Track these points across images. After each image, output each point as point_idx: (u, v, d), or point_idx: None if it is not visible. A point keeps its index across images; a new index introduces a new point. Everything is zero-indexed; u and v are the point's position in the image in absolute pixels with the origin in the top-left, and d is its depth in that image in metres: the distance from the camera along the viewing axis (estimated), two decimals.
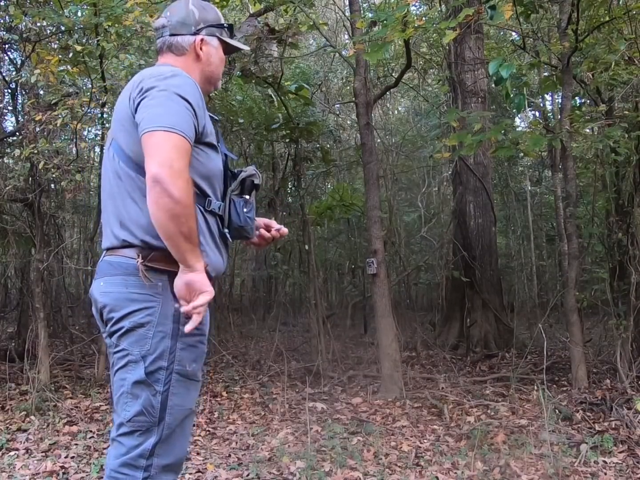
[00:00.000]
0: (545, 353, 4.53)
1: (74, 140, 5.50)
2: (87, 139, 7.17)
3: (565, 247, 5.25)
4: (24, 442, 3.76)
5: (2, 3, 5.26)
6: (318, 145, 8.04)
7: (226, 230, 1.80)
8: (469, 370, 6.26)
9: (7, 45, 6.04)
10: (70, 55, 4.71)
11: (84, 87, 5.56)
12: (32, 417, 4.22)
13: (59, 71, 4.80)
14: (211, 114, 1.85)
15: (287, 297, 10.13)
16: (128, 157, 1.67)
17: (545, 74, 7.52)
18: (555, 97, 9.66)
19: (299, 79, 7.65)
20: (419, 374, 5.87)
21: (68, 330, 7.15)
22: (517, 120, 11.37)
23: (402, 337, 6.28)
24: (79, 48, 4.45)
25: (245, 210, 1.81)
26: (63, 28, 5.06)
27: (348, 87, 10.34)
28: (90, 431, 3.97)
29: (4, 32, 5.61)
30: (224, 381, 5.70)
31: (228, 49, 1.94)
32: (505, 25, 6.99)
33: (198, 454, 3.64)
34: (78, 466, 3.38)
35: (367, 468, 3.34)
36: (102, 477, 3.15)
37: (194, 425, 3.99)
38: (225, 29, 1.90)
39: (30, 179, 5.32)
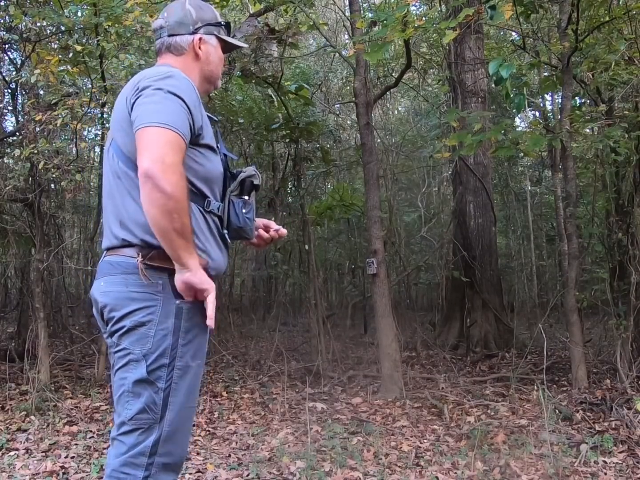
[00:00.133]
0: (545, 353, 4.53)
1: (74, 140, 5.51)
2: (87, 139, 7.17)
3: (565, 247, 5.25)
4: (24, 442, 3.76)
5: (2, 3, 5.26)
6: (318, 145, 8.04)
7: (225, 231, 1.80)
8: (469, 370, 6.26)
9: (7, 45, 6.04)
10: (70, 55, 4.71)
11: (84, 87, 5.56)
12: (32, 417, 4.22)
13: (59, 71, 4.80)
14: (210, 115, 1.85)
15: (287, 297, 10.13)
16: (126, 157, 1.68)
17: (545, 74, 7.52)
18: (555, 97, 9.66)
19: (299, 79, 7.65)
20: (419, 374, 5.87)
21: (68, 330, 7.15)
22: (517, 120, 11.39)
23: (402, 337, 6.28)
24: (79, 48, 4.45)
25: (244, 211, 1.81)
26: (63, 28, 5.06)
27: (348, 87, 10.34)
28: (90, 431, 3.97)
29: (4, 32, 5.61)
30: (224, 381, 5.70)
31: (227, 47, 1.95)
32: (505, 25, 6.99)
33: (198, 454, 3.64)
34: (78, 466, 3.38)
35: (367, 468, 3.34)
36: (102, 477, 3.15)
37: (193, 425, 3.99)
38: (223, 27, 1.91)
39: (30, 179, 5.32)
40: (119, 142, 1.70)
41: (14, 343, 6.47)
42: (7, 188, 4.92)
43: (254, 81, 6.40)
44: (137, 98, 1.63)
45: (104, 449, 3.60)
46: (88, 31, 5.02)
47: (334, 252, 11.82)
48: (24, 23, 4.85)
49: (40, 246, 5.37)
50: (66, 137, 6.82)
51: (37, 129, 4.92)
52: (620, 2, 5.45)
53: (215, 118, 1.91)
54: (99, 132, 6.26)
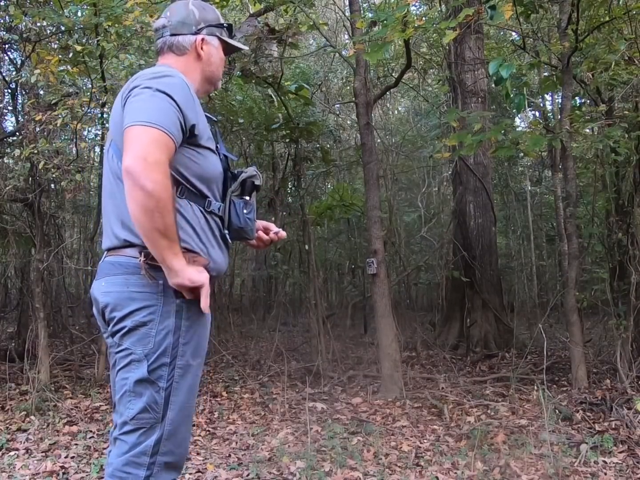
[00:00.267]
0: (545, 353, 4.53)
1: (74, 140, 5.51)
2: (87, 139, 7.18)
3: (565, 247, 5.25)
4: (24, 442, 3.76)
5: (2, 3, 5.26)
6: (318, 145, 8.04)
7: (226, 232, 1.80)
8: (469, 370, 6.26)
9: (7, 45, 6.04)
10: (70, 55, 4.71)
11: (84, 87, 5.56)
12: (32, 417, 4.22)
13: (59, 71, 4.80)
14: (210, 115, 1.84)
15: (287, 297, 10.13)
16: None
17: (545, 74, 7.52)
18: (555, 97, 9.66)
19: (299, 79, 7.65)
20: (419, 374, 5.87)
21: (68, 330, 7.15)
22: (517, 120, 11.39)
23: (402, 337, 6.28)
24: (79, 48, 4.45)
25: (245, 211, 1.81)
26: (63, 28, 5.06)
27: (348, 87, 10.34)
28: (90, 431, 3.97)
29: (4, 32, 5.61)
30: (224, 381, 5.70)
31: (227, 49, 1.94)
32: (505, 25, 6.99)
33: (198, 454, 3.64)
34: (78, 466, 3.38)
35: (367, 468, 3.34)
36: (102, 477, 3.15)
37: (193, 425, 3.99)
38: (225, 28, 1.91)
39: (30, 179, 5.32)
40: (118, 142, 1.70)
41: (14, 343, 6.47)
42: (7, 188, 4.92)
43: (254, 81, 6.40)
44: (128, 98, 1.63)
45: (104, 449, 3.60)
46: (88, 31, 5.02)
47: (334, 252, 11.82)
48: (24, 23, 4.85)
49: (40, 246, 5.37)
50: (66, 137, 6.82)
51: (37, 129, 4.92)
52: (620, 2, 5.45)
53: (215, 118, 1.90)
54: (99, 132, 6.26)
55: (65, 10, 4.98)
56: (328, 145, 9.09)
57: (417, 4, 9.29)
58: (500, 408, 4.46)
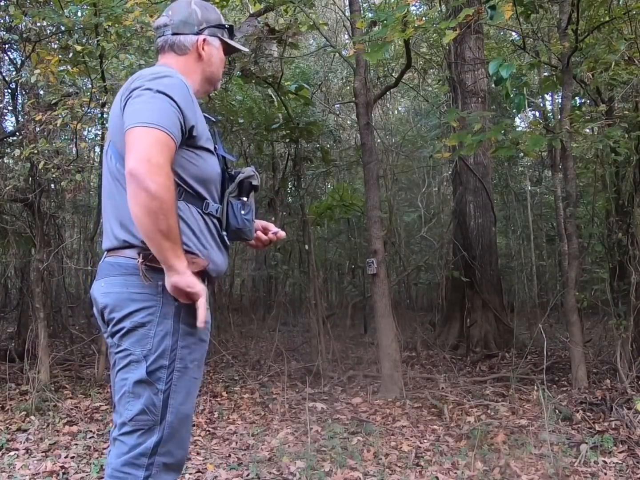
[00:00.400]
0: (545, 353, 4.53)
1: (74, 140, 5.51)
2: (87, 139, 7.17)
3: (565, 247, 5.25)
4: (24, 442, 3.76)
5: (2, 3, 5.26)
6: (318, 145, 8.04)
7: (224, 233, 1.79)
8: (469, 370, 6.26)
9: (7, 45, 6.04)
10: (70, 55, 4.71)
11: (84, 87, 5.56)
12: (32, 417, 4.22)
13: (59, 71, 4.80)
14: (208, 115, 1.84)
15: (287, 297, 10.13)
16: (123, 158, 1.67)
17: (545, 74, 7.52)
18: (555, 97, 9.66)
19: (299, 79, 7.65)
20: (419, 374, 5.87)
21: (68, 330, 7.15)
22: (517, 120, 11.38)
23: (402, 337, 6.28)
24: (79, 48, 4.45)
25: (243, 212, 1.80)
26: (63, 28, 5.06)
27: (348, 87, 10.34)
28: (90, 431, 3.97)
29: (4, 32, 5.61)
30: (224, 381, 5.70)
31: (227, 49, 1.94)
32: (505, 25, 6.99)
33: (198, 454, 3.64)
34: (78, 466, 3.38)
35: (367, 468, 3.34)
36: (102, 477, 3.15)
37: (193, 425, 3.99)
38: (226, 29, 1.90)
39: (30, 179, 5.32)
40: (117, 143, 1.70)
41: (14, 343, 6.47)
42: (7, 188, 4.92)
43: (254, 81, 6.40)
44: (128, 99, 1.62)
45: (104, 449, 3.60)
46: (88, 31, 5.02)
47: (334, 252, 11.82)
48: (24, 23, 4.85)
49: (40, 246, 5.37)
50: (66, 137, 6.82)
51: (37, 129, 4.92)
52: (620, 2, 5.45)
53: (214, 119, 1.90)
54: (99, 132, 6.25)
55: (65, 10, 4.98)
56: (328, 145, 9.09)
57: (417, 4, 9.29)
58: (500, 408, 4.46)
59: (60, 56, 4.72)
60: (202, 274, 1.72)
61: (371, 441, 3.77)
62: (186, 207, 1.68)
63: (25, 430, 3.99)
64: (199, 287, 1.61)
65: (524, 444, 3.55)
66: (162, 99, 1.59)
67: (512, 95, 5.13)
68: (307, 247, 6.70)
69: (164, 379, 1.62)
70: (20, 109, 5.98)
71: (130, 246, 1.66)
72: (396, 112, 14.06)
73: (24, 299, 6.73)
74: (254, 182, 1.83)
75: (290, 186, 9.37)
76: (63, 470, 3.32)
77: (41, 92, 5.92)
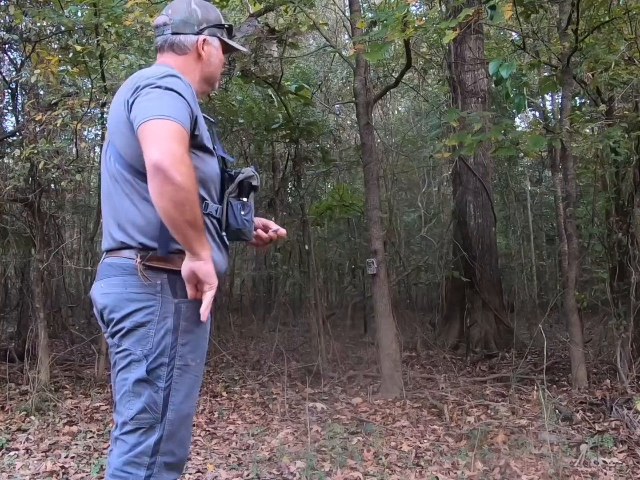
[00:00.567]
0: (545, 353, 4.53)
1: (74, 140, 5.51)
2: (87, 139, 7.19)
3: (565, 247, 5.25)
4: (24, 442, 3.76)
5: (2, 3, 5.26)
6: (318, 145, 8.04)
7: (224, 234, 1.79)
8: (469, 370, 6.26)
9: (7, 45, 6.04)
10: (70, 55, 4.71)
11: (84, 87, 5.55)
12: (32, 417, 4.22)
13: (59, 71, 4.80)
14: (207, 116, 1.83)
15: (287, 297, 10.13)
16: (124, 159, 1.67)
17: (545, 74, 7.52)
18: (555, 97, 9.66)
19: (299, 79, 7.64)
20: (419, 374, 5.87)
21: (68, 330, 7.14)
22: (517, 120, 11.38)
23: (402, 337, 6.28)
24: (79, 48, 4.45)
25: (242, 213, 1.80)
26: (63, 28, 5.06)
27: (348, 87, 10.34)
28: (90, 431, 3.96)
29: (4, 32, 5.60)
30: (224, 381, 5.70)
31: (226, 48, 1.93)
32: (505, 25, 6.99)
33: (198, 454, 3.64)
34: (78, 466, 3.38)
35: (367, 468, 3.34)
36: (102, 477, 3.15)
37: (193, 425, 3.99)
38: (225, 29, 1.90)
39: (30, 179, 5.32)
40: (117, 145, 1.69)
41: (14, 343, 6.47)
42: (7, 188, 4.92)
43: (254, 81, 6.40)
44: (136, 98, 1.61)
45: (104, 449, 3.60)
46: (88, 31, 5.02)
47: (334, 252, 11.82)
48: (24, 23, 4.85)
49: (40, 246, 5.36)
50: (66, 137, 6.82)
51: (37, 129, 4.92)
52: (620, 2, 5.45)
53: (212, 120, 1.90)
54: (99, 132, 6.26)
55: (65, 10, 4.97)
56: (328, 145, 9.09)
57: (417, 4, 9.29)
58: (500, 408, 4.46)
59: (60, 56, 4.72)
60: None
61: (371, 441, 3.77)
62: None
63: (25, 430, 3.99)
64: (214, 280, 1.62)
65: (524, 444, 3.55)
66: (172, 95, 1.59)
67: (512, 95, 5.13)
68: (307, 247, 6.70)
69: (164, 376, 1.63)
70: (20, 109, 5.98)
71: (128, 247, 1.66)
72: (396, 112, 14.05)
73: (24, 299, 6.73)
74: (254, 183, 1.83)
75: (290, 186, 9.37)
76: (63, 470, 3.32)
77: (41, 92, 5.92)
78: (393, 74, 8.80)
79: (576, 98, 6.28)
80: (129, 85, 1.67)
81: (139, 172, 1.64)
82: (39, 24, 4.79)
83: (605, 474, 3.19)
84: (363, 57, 5.06)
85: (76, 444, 3.73)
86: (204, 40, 1.82)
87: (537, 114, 11.23)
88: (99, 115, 5.29)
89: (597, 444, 3.56)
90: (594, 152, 5.77)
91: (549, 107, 10.96)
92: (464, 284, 7.28)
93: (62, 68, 4.84)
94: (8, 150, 5.93)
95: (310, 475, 3.22)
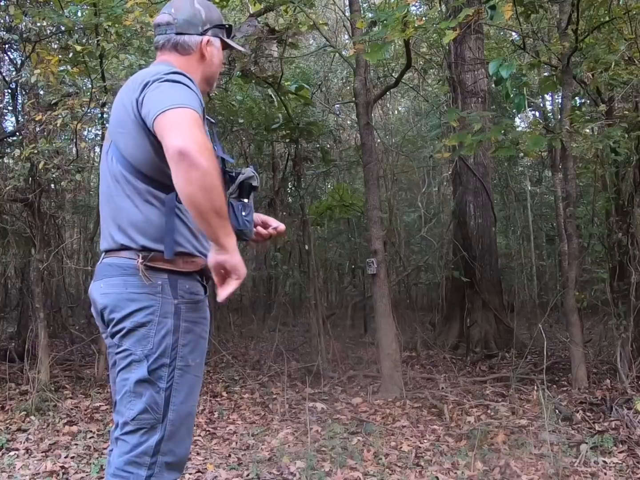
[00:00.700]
0: (545, 353, 4.53)
1: (74, 140, 5.51)
2: (87, 139, 7.18)
3: (565, 247, 5.25)
4: (24, 442, 3.76)
5: (2, 3, 5.25)
6: (318, 145, 8.04)
7: None
8: (469, 370, 6.26)
9: (7, 45, 6.04)
10: (70, 55, 4.71)
11: (84, 87, 5.56)
12: (32, 417, 4.22)
13: (59, 71, 4.80)
14: (207, 117, 1.83)
15: (287, 297, 10.13)
16: (127, 160, 1.66)
17: (545, 74, 7.52)
18: (555, 97, 9.66)
19: (299, 79, 7.64)
20: (419, 374, 5.87)
21: (68, 330, 7.15)
22: (517, 120, 11.37)
23: (402, 337, 6.28)
24: (79, 48, 4.44)
25: (243, 214, 1.79)
26: (63, 28, 5.06)
27: (348, 87, 10.34)
28: (90, 431, 3.97)
29: (4, 32, 5.60)
30: (224, 381, 5.70)
31: (223, 46, 1.91)
32: (505, 25, 6.99)
33: (198, 454, 3.64)
34: (78, 466, 3.38)
35: (367, 468, 3.34)
36: (102, 477, 3.15)
37: (194, 425, 3.98)
38: (225, 29, 1.89)
39: (30, 179, 5.32)
40: (119, 145, 1.68)
41: (14, 343, 6.47)
42: (7, 188, 4.92)
43: (254, 81, 6.40)
44: (145, 94, 1.60)
45: (104, 449, 3.60)
46: (88, 31, 5.02)
47: (334, 252, 11.82)
48: (24, 23, 4.85)
49: (40, 246, 5.36)
50: (66, 137, 6.82)
51: (37, 129, 4.92)
52: (620, 2, 5.45)
53: (213, 120, 1.89)
54: (99, 132, 6.26)
55: (65, 10, 4.97)
56: (328, 145, 9.09)
57: (417, 4, 9.29)
58: (500, 408, 4.46)
59: (60, 56, 4.72)
60: (201, 274, 1.73)
61: (371, 441, 3.77)
62: (187, 209, 1.67)
63: (25, 430, 3.99)
64: (243, 271, 1.58)
65: (524, 444, 3.55)
66: (182, 86, 1.60)
67: (512, 95, 5.13)
68: (307, 247, 6.70)
69: (165, 377, 1.63)
70: (20, 109, 5.98)
71: (128, 248, 1.66)
72: (396, 112, 14.05)
73: (24, 299, 6.73)
74: (254, 183, 1.82)
75: (290, 186, 9.37)
76: (63, 470, 3.32)
77: (41, 92, 5.92)
78: (393, 74, 8.80)
79: (576, 98, 6.28)
80: (133, 86, 1.66)
81: (142, 174, 1.64)
82: (39, 24, 4.79)
83: (605, 474, 3.19)
84: (363, 57, 5.06)
85: (76, 444, 3.73)
86: (208, 40, 1.81)
87: (537, 114, 11.23)
88: (99, 115, 5.29)
89: (597, 444, 3.56)
90: (594, 152, 5.77)
91: (549, 107, 10.96)
92: (464, 284, 7.27)
93: (62, 68, 4.84)
94: (8, 150, 5.93)
95: (310, 475, 3.22)
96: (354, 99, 5.81)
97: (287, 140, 7.64)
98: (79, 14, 5.15)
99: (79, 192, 6.05)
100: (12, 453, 3.57)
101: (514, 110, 8.14)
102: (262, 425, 4.29)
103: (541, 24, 6.57)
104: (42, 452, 3.59)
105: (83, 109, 4.86)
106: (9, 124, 7.24)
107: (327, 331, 6.55)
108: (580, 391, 4.75)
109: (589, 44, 5.31)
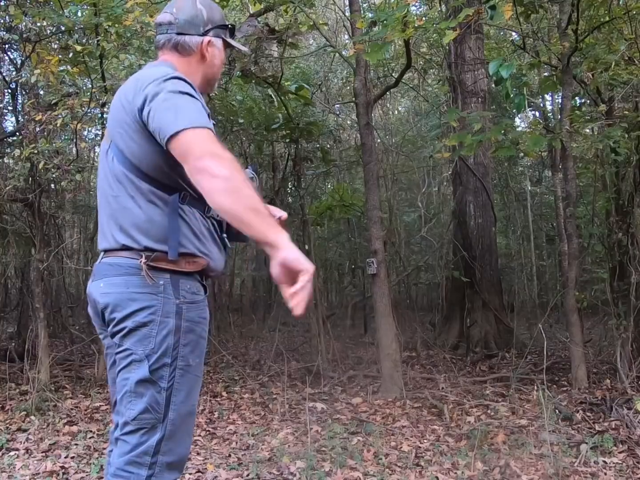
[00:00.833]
0: (545, 353, 4.53)
1: (74, 140, 5.51)
2: (87, 139, 7.18)
3: (565, 247, 5.26)
4: (24, 442, 3.76)
5: (2, 3, 5.25)
6: (318, 145, 8.05)
7: (224, 235, 1.80)
8: (469, 370, 6.26)
9: (7, 45, 6.04)
10: (70, 55, 4.71)
11: (84, 87, 5.56)
12: (32, 417, 4.22)
13: (59, 71, 4.80)
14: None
15: None
16: (130, 161, 1.66)
17: (545, 74, 7.52)
18: (555, 97, 9.66)
19: (299, 79, 7.64)
20: (419, 374, 5.87)
21: (68, 330, 7.15)
22: (517, 120, 11.38)
23: (402, 337, 6.28)
24: (79, 48, 4.44)
25: None
26: (63, 28, 5.06)
27: (348, 87, 10.33)
28: (90, 431, 3.97)
29: (4, 32, 5.61)
30: (224, 381, 5.70)
31: (225, 45, 1.90)
32: (505, 25, 6.99)
33: (198, 454, 3.64)
34: (78, 466, 3.38)
35: (367, 468, 3.34)
36: (102, 477, 3.15)
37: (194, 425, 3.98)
38: (227, 29, 1.87)
39: (30, 179, 5.32)
40: (121, 146, 1.67)
41: (14, 343, 6.47)
42: (7, 188, 4.92)
43: (254, 81, 6.41)
44: (150, 109, 1.58)
45: (104, 449, 3.60)
46: (88, 31, 5.02)
47: (334, 252, 11.82)
48: (24, 23, 4.85)
49: (40, 246, 5.37)
50: (66, 137, 6.82)
51: (37, 129, 4.92)
52: (620, 2, 5.45)
53: (213, 121, 1.90)
54: (99, 132, 6.26)
55: (65, 10, 4.97)
56: (328, 145, 9.09)
57: (417, 4, 9.29)
58: (500, 408, 4.46)
59: (60, 56, 4.72)
60: (201, 273, 1.73)
61: (371, 441, 3.77)
62: (190, 210, 1.68)
63: (25, 430, 3.99)
64: (308, 266, 1.44)
65: (524, 444, 3.55)
66: (188, 99, 1.59)
67: (512, 95, 5.13)
68: (307, 247, 6.70)
69: (166, 377, 1.63)
70: (20, 109, 5.98)
71: (130, 249, 1.66)
72: (396, 112, 14.05)
73: (24, 299, 6.73)
74: (254, 184, 1.83)
75: (290, 186, 9.37)
76: (63, 470, 3.32)
77: (41, 92, 5.93)
78: (393, 74, 8.80)
79: (576, 98, 6.28)
80: (134, 89, 1.65)
81: (145, 174, 1.64)
82: (39, 24, 4.79)
83: (605, 474, 3.20)
84: (363, 57, 5.06)
85: (76, 444, 3.73)
86: (209, 41, 1.80)
87: (537, 114, 11.23)
88: (99, 115, 5.28)
89: (597, 444, 3.56)
90: (594, 152, 5.77)
91: (549, 107, 10.96)
92: (464, 284, 7.28)
93: (62, 68, 4.84)
94: (8, 150, 5.94)
95: (310, 475, 3.22)
96: (354, 99, 5.81)
97: (287, 140, 7.64)
98: (79, 14, 5.14)
99: (79, 192, 6.05)
100: (12, 453, 3.57)
101: (514, 110, 8.14)
102: (262, 425, 4.29)
103: (541, 24, 6.57)
104: (42, 452, 3.59)
105: (83, 109, 4.86)
106: (9, 124, 7.25)
107: (327, 331, 6.56)
108: (580, 391, 4.75)
109: (589, 44, 5.31)
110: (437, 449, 3.67)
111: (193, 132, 1.52)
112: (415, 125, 11.43)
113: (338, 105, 11.00)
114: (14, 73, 6.11)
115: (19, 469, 3.31)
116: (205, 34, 1.79)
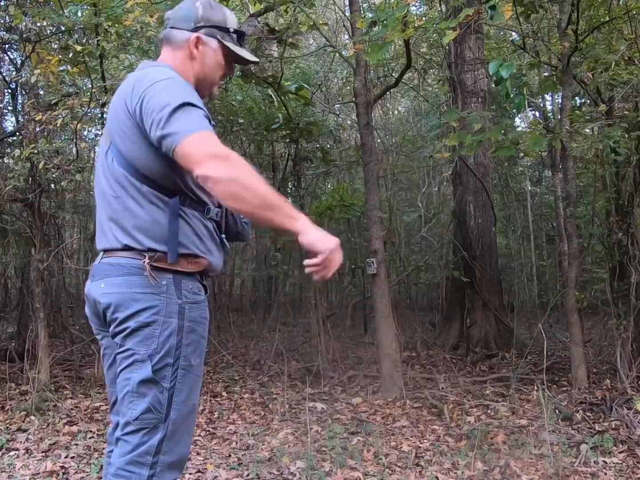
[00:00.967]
0: (545, 353, 4.53)
1: (74, 140, 5.51)
2: (87, 139, 7.18)
3: (565, 247, 5.26)
4: (24, 442, 3.76)
5: (2, 3, 5.26)
6: (318, 145, 8.05)
7: (223, 236, 1.81)
8: (469, 370, 6.26)
9: (7, 45, 6.04)
10: (70, 55, 4.71)
11: (84, 87, 5.55)
12: (32, 417, 4.22)
13: (59, 71, 4.80)
14: None
15: (287, 297, 10.13)
16: (130, 163, 1.65)
17: (545, 74, 7.52)
18: (555, 97, 9.66)
19: (299, 79, 7.65)
20: (419, 374, 5.87)
21: (68, 330, 7.14)
22: (517, 120, 11.38)
23: (402, 337, 6.28)
24: (79, 48, 4.44)
25: (242, 216, 1.81)
26: (63, 28, 5.06)
27: (348, 87, 10.34)
28: (90, 431, 3.97)
29: (4, 32, 5.61)
30: (224, 381, 5.70)
31: (236, 58, 1.86)
32: (505, 25, 6.99)
33: (198, 454, 3.64)
34: (78, 466, 3.38)
35: (367, 468, 3.34)
36: (102, 477, 3.15)
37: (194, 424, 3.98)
38: (232, 34, 1.83)
39: (30, 179, 5.32)
40: (120, 147, 1.67)
41: (14, 343, 6.47)
42: (7, 188, 4.92)
43: (254, 81, 6.41)
44: (146, 115, 1.57)
45: (104, 449, 3.59)
46: (88, 31, 5.02)
47: None
48: (24, 23, 4.85)
49: (40, 246, 5.36)
50: (66, 137, 6.82)
51: (37, 129, 4.92)
52: (620, 2, 5.45)
53: (213, 122, 1.90)
54: (99, 132, 6.25)
55: (65, 10, 4.97)
56: (328, 145, 9.10)
57: (417, 4, 9.30)
58: (500, 408, 4.46)
59: (60, 56, 4.72)
60: (202, 273, 1.74)
61: (371, 441, 3.77)
62: (191, 212, 1.69)
63: (25, 430, 3.99)
64: (327, 244, 1.51)
65: (524, 444, 3.55)
66: (192, 109, 1.57)
67: (512, 95, 5.13)
68: None
69: (168, 377, 1.63)
70: (20, 109, 5.98)
71: (132, 249, 1.66)
72: (396, 112, 14.05)
73: (24, 299, 6.73)
74: None
75: (290, 186, 9.37)
76: (63, 470, 3.32)
77: (41, 92, 5.92)
78: (393, 74, 8.80)
79: (576, 98, 6.28)
80: (131, 88, 1.65)
81: (146, 177, 1.64)
82: (39, 24, 4.79)
83: (605, 474, 3.20)
84: (363, 57, 5.06)
85: (76, 444, 3.73)
86: (198, 38, 1.77)
87: (537, 114, 11.24)
88: (99, 115, 5.28)
89: (597, 444, 3.56)
90: (594, 152, 5.77)
91: (549, 107, 10.97)
92: (464, 284, 7.28)
93: (62, 68, 4.84)
94: (8, 150, 5.94)
95: (310, 475, 3.22)
96: (354, 99, 5.81)
97: (287, 140, 7.65)
98: (79, 14, 5.14)
99: (79, 192, 6.04)
100: (12, 453, 3.57)
101: (514, 110, 8.15)
102: (262, 425, 4.29)
103: (541, 24, 6.57)
104: (42, 452, 3.59)
105: (83, 109, 4.86)
106: (9, 124, 7.25)
107: (327, 331, 6.55)
108: (580, 391, 4.75)
109: (589, 44, 5.31)
110: (437, 449, 3.67)
111: (194, 136, 1.52)
112: (415, 125, 11.43)
113: (338, 105, 11.01)
114: (14, 73, 6.11)
115: (19, 469, 3.31)
116: (195, 30, 1.78)
